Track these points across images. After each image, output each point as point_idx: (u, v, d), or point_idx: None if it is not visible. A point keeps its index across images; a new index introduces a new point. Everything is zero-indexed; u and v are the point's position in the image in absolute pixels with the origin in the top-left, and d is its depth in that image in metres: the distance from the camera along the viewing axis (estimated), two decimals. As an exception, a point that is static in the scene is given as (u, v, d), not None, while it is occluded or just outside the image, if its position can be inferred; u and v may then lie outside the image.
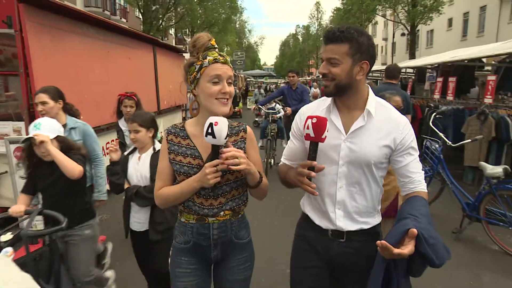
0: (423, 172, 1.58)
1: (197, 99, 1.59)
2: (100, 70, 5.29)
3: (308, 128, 1.35)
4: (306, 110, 1.67)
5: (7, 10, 3.52)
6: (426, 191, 1.57)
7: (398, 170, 1.57)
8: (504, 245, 3.82)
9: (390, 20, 26.05)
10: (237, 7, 36.52)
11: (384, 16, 25.42)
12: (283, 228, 4.44)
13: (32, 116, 3.82)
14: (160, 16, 23.86)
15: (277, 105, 7.48)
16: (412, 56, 23.62)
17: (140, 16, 26.46)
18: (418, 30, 29.21)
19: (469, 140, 4.28)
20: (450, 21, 28.44)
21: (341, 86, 1.48)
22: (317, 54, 69.14)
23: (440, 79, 7.26)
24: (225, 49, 44.19)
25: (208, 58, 1.50)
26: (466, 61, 7.59)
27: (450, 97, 6.66)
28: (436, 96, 7.25)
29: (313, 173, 1.38)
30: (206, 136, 1.38)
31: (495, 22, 22.83)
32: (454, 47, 17.17)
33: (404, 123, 1.53)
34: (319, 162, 1.47)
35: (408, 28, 23.20)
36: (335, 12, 39.98)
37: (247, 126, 1.69)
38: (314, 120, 1.34)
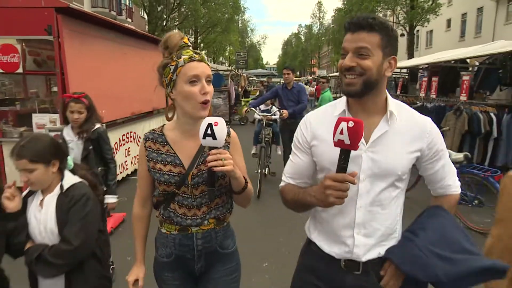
0: (455, 170, 1.45)
1: (174, 102, 1.47)
2: (118, 69, 5.98)
3: (342, 133, 1.11)
4: (314, 119, 1.42)
5: (48, 20, 4.20)
6: (458, 191, 1.45)
7: (427, 176, 1.42)
8: (466, 221, 4.47)
9: (389, 21, 26.59)
10: (240, 7, 37.15)
11: (385, 16, 25.93)
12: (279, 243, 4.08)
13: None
14: (165, 16, 24.56)
15: (273, 107, 6.80)
16: (410, 56, 24.18)
17: (145, 16, 27.21)
18: (418, 31, 29.80)
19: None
20: (448, 22, 29.00)
21: (370, 83, 1.24)
22: (319, 54, 69.79)
23: (425, 78, 7.91)
24: (228, 48, 44.89)
25: (183, 57, 1.39)
26: (452, 61, 8.24)
27: (433, 95, 7.31)
28: (422, 94, 7.90)
29: (351, 182, 1.14)
30: (204, 138, 1.27)
31: (492, 23, 23.40)
32: (452, 47, 17.72)
33: (429, 124, 1.35)
34: None
35: (407, 29, 23.79)
36: (336, 12, 40.54)
37: (231, 129, 1.57)
38: (351, 124, 1.10)
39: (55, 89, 7.14)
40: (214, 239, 1.53)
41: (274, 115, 6.25)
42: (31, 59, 4.57)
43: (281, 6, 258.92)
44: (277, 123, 6.52)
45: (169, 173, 1.45)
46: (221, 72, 16.02)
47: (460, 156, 4.28)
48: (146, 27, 29.44)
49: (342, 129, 1.11)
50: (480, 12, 25.02)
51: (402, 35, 27.40)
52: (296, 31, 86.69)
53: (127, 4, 29.98)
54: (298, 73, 79.45)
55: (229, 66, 28.07)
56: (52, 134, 4.22)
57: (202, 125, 1.27)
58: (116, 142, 5.79)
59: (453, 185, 1.43)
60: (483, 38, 22.59)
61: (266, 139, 6.13)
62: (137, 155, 6.94)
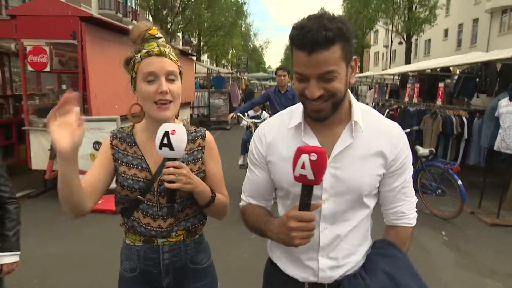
0: (413, 198, 1.25)
1: (139, 101, 1.30)
2: (130, 71, 6.67)
3: (304, 167, 0.95)
4: (268, 131, 1.25)
5: (73, 27, 4.89)
6: (411, 224, 1.25)
7: (382, 193, 1.23)
8: (433, 209, 5.13)
9: (387, 29, 27.30)
10: (243, 11, 37.97)
11: (386, 23, 26.60)
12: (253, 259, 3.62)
13: (85, 104, 5.20)
14: (170, 20, 25.31)
15: (264, 112, 6.28)
16: (407, 63, 24.92)
17: (150, 19, 27.99)
18: (417, 39, 30.56)
19: (408, 130, 5.62)
20: (446, 32, 29.79)
21: (339, 101, 1.09)
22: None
23: (409, 85, 8.59)
24: (231, 51, 45.68)
25: (142, 51, 1.24)
26: (438, 69, 8.92)
27: (414, 100, 7.98)
28: (406, 99, 8.58)
29: (312, 226, 1.01)
30: (160, 148, 1.13)
31: (486, 34, 24.15)
32: (449, 56, 18.41)
33: (397, 133, 1.18)
34: (290, 200, 1.21)
35: (404, 37, 24.54)
36: (337, 19, 41.26)
37: (207, 132, 1.42)
38: (314, 157, 0.94)
39: (63, 86, 7.88)
40: (184, 253, 1.36)
41: (265, 119, 5.72)
42: (56, 60, 5.24)
43: (283, 11, 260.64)
44: None
45: (133, 177, 1.29)
46: (222, 75, 16.72)
47: (426, 151, 4.95)
48: (151, 29, 30.16)
49: (303, 163, 0.94)
50: (476, 23, 25.79)
51: (401, 43, 28.18)
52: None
53: (133, 6, 30.78)
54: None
55: (231, 69, 28.79)
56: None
57: (158, 133, 1.13)
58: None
59: (407, 214, 1.22)
60: (478, 48, 23.31)
61: None
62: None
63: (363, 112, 1.18)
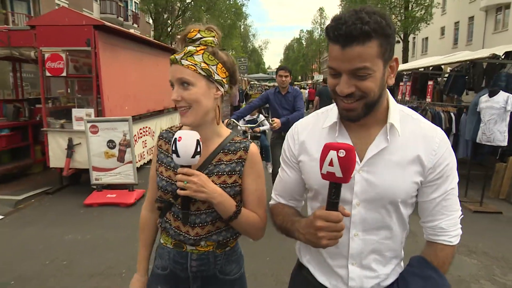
0: (457, 213, 1.12)
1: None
2: (138, 74, 7.09)
3: (332, 164, 0.92)
4: (302, 129, 1.21)
5: (87, 35, 5.31)
6: (451, 243, 1.11)
7: (420, 204, 1.13)
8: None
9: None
10: (242, 13, 38.41)
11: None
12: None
13: (98, 105, 5.63)
14: (170, 23, 25.75)
15: (261, 115, 5.81)
16: (405, 62, 25.31)
17: (150, 22, 28.45)
18: (414, 38, 30.96)
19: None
20: (442, 30, 30.15)
21: (373, 103, 1.02)
22: (320, 59, 70.90)
23: (402, 83, 9.00)
24: (230, 53, 46.13)
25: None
26: (431, 68, 9.33)
27: (407, 98, 8.39)
28: (399, 97, 8.99)
29: (345, 215, 0.96)
30: (172, 153, 1.15)
31: (482, 31, 24.52)
32: (446, 54, 18.85)
33: (439, 138, 1.08)
34: (319, 201, 1.17)
35: (401, 36, 24.93)
36: (336, 19, 41.59)
37: (252, 144, 1.34)
38: (343, 154, 0.91)
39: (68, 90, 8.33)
40: (213, 263, 1.32)
41: (262, 125, 5.39)
42: (72, 65, 5.66)
43: (282, 11, 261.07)
44: (266, 135, 5.55)
45: (168, 179, 1.29)
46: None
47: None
48: (152, 32, 30.66)
49: (331, 160, 0.92)
50: (471, 21, 26.17)
51: (398, 42, 28.59)
52: (298, 36, 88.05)
53: (134, 10, 31.22)
54: (300, 77, 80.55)
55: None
56: (89, 125, 5.32)
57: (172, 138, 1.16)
58: (135, 134, 6.89)
59: (447, 231, 1.10)
60: (474, 46, 23.68)
61: None
62: (152, 147, 8.15)
63: (402, 115, 1.10)
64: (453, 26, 28.66)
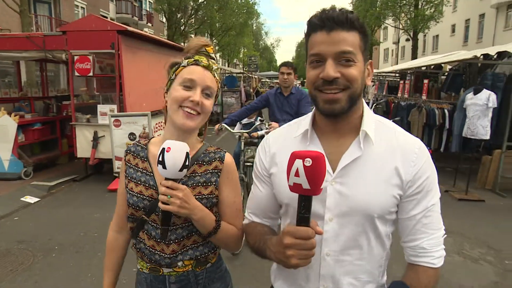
0: (440, 232, 1.02)
1: (166, 108, 1.22)
2: (155, 73, 7.75)
3: (298, 174, 0.82)
4: (274, 141, 1.14)
5: (112, 39, 5.98)
6: (434, 265, 1.01)
7: (401, 222, 1.04)
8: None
9: (393, 27, 27.86)
10: (254, 11, 38.91)
11: (395, 20, 27.01)
12: None
13: (120, 102, 6.30)
14: (183, 22, 26.47)
15: (259, 118, 5.04)
16: (414, 59, 25.56)
17: (164, 21, 29.24)
18: (425, 35, 31.05)
19: (391, 120, 6.56)
20: (453, 27, 30.14)
21: (355, 97, 0.97)
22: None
23: (401, 82, 9.48)
24: (242, 50, 46.69)
25: (190, 59, 1.19)
26: (432, 66, 9.78)
27: (405, 95, 8.87)
28: (399, 94, 9.47)
29: (318, 233, 0.86)
30: (157, 164, 1.04)
31: (492, 29, 24.55)
32: (457, 51, 19.08)
33: (418, 148, 1.00)
34: (290, 217, 1.08)
35: (411, 34, 25.14)
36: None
37: (227, 154, 1.28)
38: (309, 162, 0.81)
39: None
40: (194, 284, 1.24)
41: (259, 129, 4.57)
42: (97, 66, 6.34)
43: (293, 8, 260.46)
44: None
45: (139, 194, 1.21)
46: (234, 75, 17.77)
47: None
48: (165, 31, 31.49)
49: (297, 170, 0.82)
50: (482, 18, 26.17)
51: (408, 40, 28.74)
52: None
53: (148, 10, 32.08)
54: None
55: (242, 68, 29.73)
56: (112, 119, 5.99)
57: (159, 149, 1.05)
58: (152, 128, 7.57)
59: (429, 251, 1.01)
60: (484, 43, 23.77)
61: (248, 163, 4.31)
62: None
63: (378, 124, 1.04)
64: (464, 23, 28.66)
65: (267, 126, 3.98)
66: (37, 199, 5.57)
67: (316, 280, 1.05)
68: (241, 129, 4.87)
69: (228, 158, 1.28)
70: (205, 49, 1.23)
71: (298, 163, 0.82)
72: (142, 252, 1.24)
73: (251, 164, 4.22)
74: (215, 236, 1.19)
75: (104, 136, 6.37)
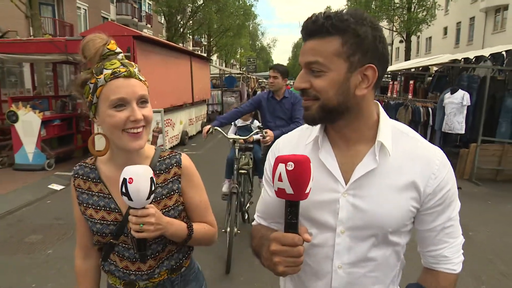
0: (459, 239, 1.01)
1: (103, 130, 1.11)
2: (164, 74, 8.44)
3: (281, 179, 0.81)
4: (284, 146, 1.10)
5: (128, 43, 6.66)
6: (455, 271, 1.01)
7: (420, 232, 1.02)
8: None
9: (387, 29, 28.64)
10: (251, 13, 39.58)
11: (389, 22, 27.77)
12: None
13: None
14: (182, 23, 27.11)
15: (256, 121, 4.67)
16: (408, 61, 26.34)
17: (163, 22, 29.85)
18: (419, 37, 31.92)
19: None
20: (445, 30, 31.05)
21: (329, 109, 0.91)
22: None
23: (391, 82, 10.23)
24: (239, 51, 47.31)
25: (105, 71, 1.03)
26: (420, 68, 10.55)
27: (395, 95, 9.62)
28: (389, 94, 10.22)
29: (306, 241, 0.85)
30: (122, 195, 0.98)
31: (482, 32, 25.43)
32: (449, 53, 19.78)
33: (439, 159, 0.96)
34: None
35: (404, 36, 25.93)
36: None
37: (183, 156, 1.22)
38: (291, 166, 0.80)
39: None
40: None
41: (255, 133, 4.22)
42: (114, 68, 7.05)
43: (289, 8, 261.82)
44: (261, 145, 4.26)
45: (102, 221, 1.13)
46: (233, 75, 18.48)
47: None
48: (164, 31, 32.14)
49: (280, 174, 0.81)
50: (472, 21, 27.05)
51: (401, 41, 29.54)
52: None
53: (147, 11, 32.71)
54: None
55: (240, 68, 30.33)
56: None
57: (120, 178, 0.97)
58: (163, 124, 8.28)
59: (450, 258, 1.00)
60: (474, 45, 24.58)
61: (242, 171, 3.95)
62: (172, 137, 9.54)
63: (395, 132, 0.98)
64: (455, 26, 29.55)
65: (263, 133, 3.58)
66: (62, 187, 6.23)
67: None
68: (235, 131, 4.56)
69: (186, 160, 1.22)
70: (107, 48, 1.07)
71: (281, 167, 0.81)
72: (113, 273, 1.20)
73: (245, 171, 4.01)
74: (190, 241, 1.20)
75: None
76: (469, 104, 6.12)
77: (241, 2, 34.31)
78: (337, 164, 0.97)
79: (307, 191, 0.82)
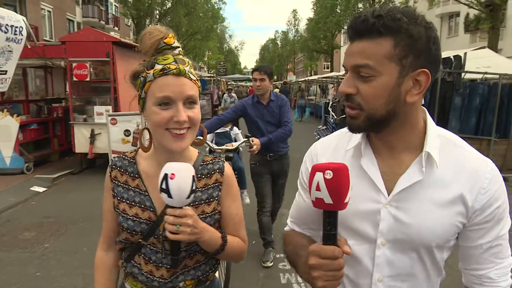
0: (508, 260, 0.94)
1: (148, 125, 1.09)
2: (140, 78, 8.70)
3: (318, 188, 0.78)
4: (322, 150, 1.04)
5: (107, 48, 6.90)
6: None
7: (464, 248, 0.96)
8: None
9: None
10: (219, 16, 39.90)
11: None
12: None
13: (115, 104, 7.21)
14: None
15: (235, 128, 4.68)
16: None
17: (130, 24, 29.55)
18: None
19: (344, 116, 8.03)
20: (404, 34, 32.78)
21: (377, 119, 0.86)
22: (294, 59, 73.09)
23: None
24: (207, 53, 47.44)
25: (155, 67, 1.01)
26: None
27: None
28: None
29: (346, 253, 0.80)
30: (160, 192, 0.95)
31: (439, 36, 27.13)
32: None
33: (490, 173, 0.89)
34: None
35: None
36: (308, 22, 43.69)
37: (226, 165, 1.20)
38: (329, 175, 0.76)
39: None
40: None
41: (235, 140, 4.22)
42: (93, 72, 7.22)
43: (255, 11, 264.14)
44: (240, 153, 4.32)
45: (135, 218, 1.10)
46: (204, 78, 18.81)
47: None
48: (132, 34, 31.84)
49: (318, 184, 0.77)
50: (429, 26, 28.79)
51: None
52: (272, 37, 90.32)
53: (114, 13, 32.28)
54: (275, 77, 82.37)
55: (208, 71, 30.52)
56: (109, 118, 6.92)
57: (161, 174, 0.95)
58: (144, 126, 8.51)
59: (495, 281, 0.92)
60: (431, 49, 26.08)
61: None
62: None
63: (443, 141, 0.91)
64: (414, 30, 31.25)
65: (250, 141, 3.37)
66: (44, 189, 6.38)
67: None
68: (213, 139, 4.44)
69: (228, 169, 1.20)
70: (164, 42, 1.04)
71: (319, 176, 0.77)
72: (135, 277, 1.14)
73: None
74: (223, 253, 1.14)
75: (100, 133, 7.24)
76: (423, 103, 6.84)
77: (209, 5, 34.57)
78: (379, 173, 0.92)
79: (346, 200, 0.78)
